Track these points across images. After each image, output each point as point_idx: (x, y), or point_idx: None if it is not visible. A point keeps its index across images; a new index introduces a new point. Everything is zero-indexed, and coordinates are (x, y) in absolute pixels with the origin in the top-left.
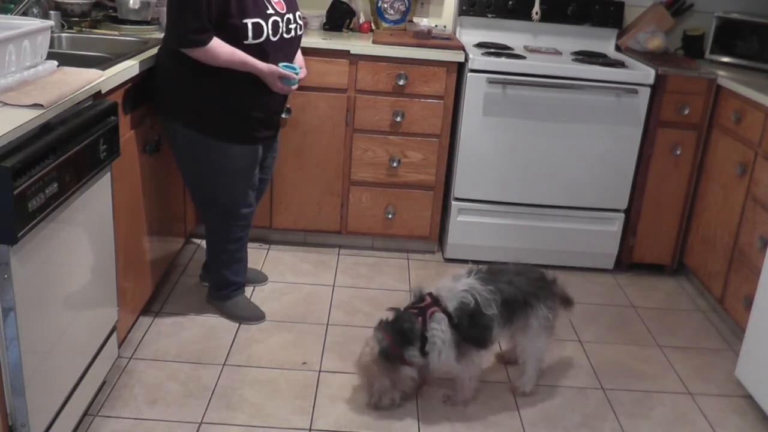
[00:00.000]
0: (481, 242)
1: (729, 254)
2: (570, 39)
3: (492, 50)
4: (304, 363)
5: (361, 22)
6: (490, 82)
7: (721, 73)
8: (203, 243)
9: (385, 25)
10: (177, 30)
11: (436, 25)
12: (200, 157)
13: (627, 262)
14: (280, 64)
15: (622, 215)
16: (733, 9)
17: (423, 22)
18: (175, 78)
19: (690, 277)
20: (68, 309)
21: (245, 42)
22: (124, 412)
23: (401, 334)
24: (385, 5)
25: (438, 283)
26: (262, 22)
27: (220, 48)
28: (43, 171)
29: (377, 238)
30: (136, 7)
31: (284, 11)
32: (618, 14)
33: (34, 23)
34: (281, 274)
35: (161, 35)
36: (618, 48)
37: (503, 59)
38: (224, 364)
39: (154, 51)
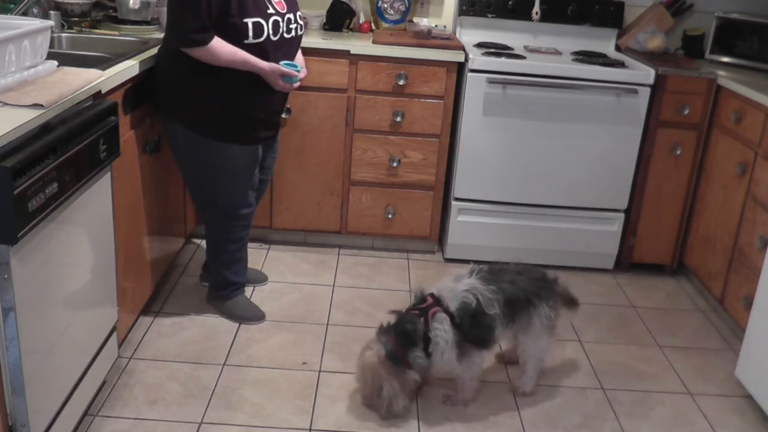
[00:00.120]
0: (481, 242)
1: (729, 254)
2: (570, 39)
3: (492, 50)
4: (304, 363)
5: (361, 22)
6: (490, 82)
7: (721, 73)
8: (203, 243)
9: (385, 25)
10: (177, 29)
11: (436, 25)
12: (200, 157)
13: (627, 262)
14: (282, 63)
15: (622, 215)
16: (733, 9)
17: (423, 22)
18: (175, 78)
19: (690, 277)
20: (68, 309)
21: (246, 41)
22: (124, 412)
23: (405, 336)
24: (385, 5)
25: (439, 283)
26: (263, 22)
27: (221, 47)
28: (43, 171)
29: (377, 238)
30: (136, 7)
31: (285, 11)
32: (618, 14)
33: (34, 23)
34: (281, 274)
35: (161, 35)
36: (618, 48)
37: (503, 59)
38: (224, 364)
39: (154, 51)
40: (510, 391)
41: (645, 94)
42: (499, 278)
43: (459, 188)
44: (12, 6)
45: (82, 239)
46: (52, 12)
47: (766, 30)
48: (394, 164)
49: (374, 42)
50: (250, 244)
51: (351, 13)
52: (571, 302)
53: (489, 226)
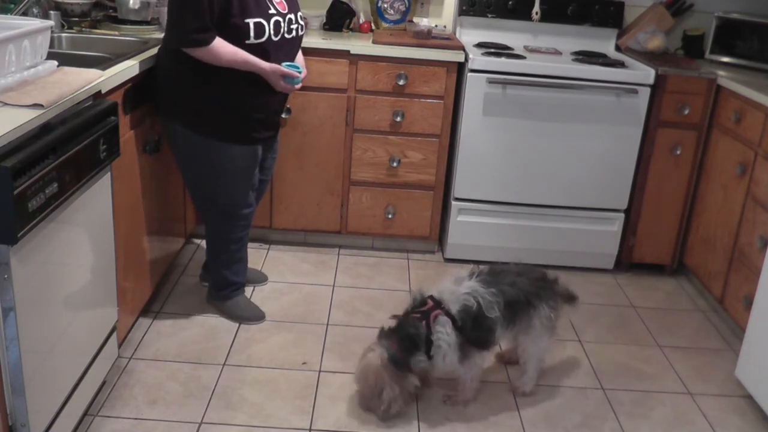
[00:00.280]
0: (481, 242)
1: (729, 254)
2: (570, 39)
3: (492, 50)
4: (304, 363)
5: (361, 22)
6: (490, 82)
7: (721, 73)
8: (203, 243)
9: (385, 25)
10: (178, 29)
11: (436, 25)
12: (200, 158)
13: (627, 262)
14: (283, 64)
15: (622, 215)
16: (733, 9)
17: (423, 22)
18: (175, 78)
19: (690, 277)
20: (68, 309)
21: (247, 42)
22: (124, 412)
23: (408, 340)
24: (385, 5)
25: (439, 285)
26: (264, 22)
27: (222, 48)
28: (43, 171)
29: (377, 238)
30: (136, 7)
31: (286, 11)
32: (618, 14)
33: (34, 23)
34: (281, 274)
35: (161, 35)
36: (618, 48)
37: (503, 59)
38: (224, 364)
39: (154, 51)
40: (510, 391)
41: (645, 94)
42: (500, 280)
43: (459, 188)
44: (12, 6)
45: (82, 239)
46: (52, 12)
47: (766, 30)
48: (394, 164)
49: (374, 42)
50: (250, 244)
51: (351, 13)
52: (570, 298)
53: (489, 226)
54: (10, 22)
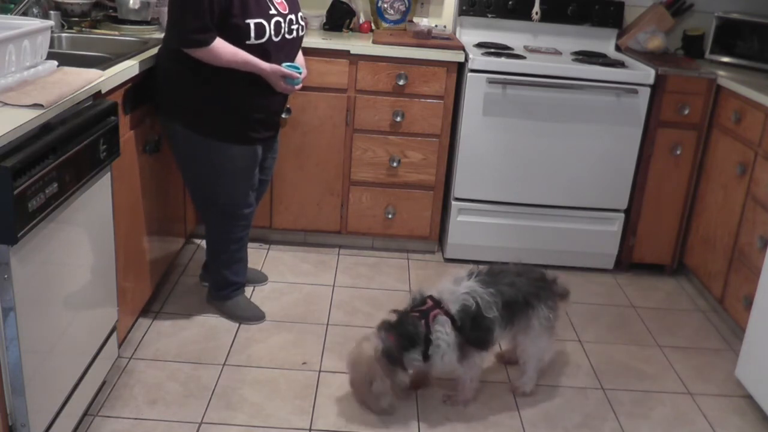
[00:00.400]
0: (481, 242)
1: (729, 254)
2: (570, 39)
3: (492, 50)
4: (304, 363)
5: (361, 22)
6: (490, 82)
7: (721, 73)
8: (203, 243)
9: (385, 25)
10: (178, 30)
11: (436, 25)
12: (200, 158)
13: (627, 262)
14: (283, 64)
15: (622, 215)
16: (733, 9)
17: (423, 22)
18: (175, 78)
19: (690, 277)
20: (68, 309)
21: (247, 42)
22: (124, 412)
23: (406, 337)
24: (385, 5)
25: (439, 285)
26: (265, 23)
27: (222, 48)
28: (43, 171)
29: (377, 238)
30: (136, 7)
31: (286, 12)
32: (618, 14)
33: (34, 23)
34: (281, 274)
35: (161, 35)
36: (618, 48)
37: (503, 59)
38: (224, 364)
39: (154, 51)
40: (510, 391)
41: (645, 94)
42: (498, 280)
43: (459, 188)
44: (12, 6)
45: (82, 239)
46: (52, 12)
47: (766, 30)
48: (394, 164)
49: (374, 42)
50: (250, 244)
51: (351, 13)
52: (563, 295)
53: (489, 226)
54: (10, 22)
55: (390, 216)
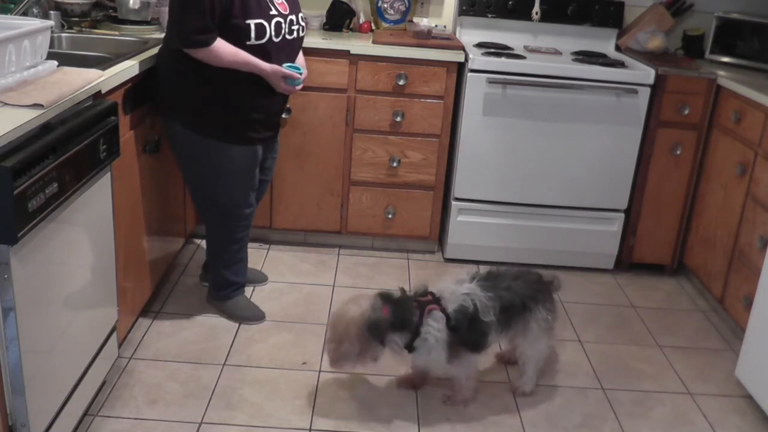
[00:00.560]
0: (481, 242)
1: (729, 254)
2: (570, 39)
3: (492, 50)
4: (304, 363)
5: (361, 22)
6: (490, 82)
7: (721, 73)
8: (203, 243)
9: (385, 25)
10: (180, 30)
11: (436, 25)
12: (200, 158)
13: (627, 262)
14: (284, 65)
15: (622, 215)
16: (733, 9)
17: (423, 22)
18: (175, 78)
19: (690, 277)
20: (68, 309)
21: (248, 43)
22: (124, 412)
23: (399, 318)
24: (385, 5)
25: (440, 283)
26: (265, 23)
27: (223, 49)
28: (43, 171)
29: (377, 238)
30: (136, 7)
31: (287, 12)
32: (618, 14)
33: (34, 23)
34: (281, 274)
35: (161, 35)
36: (618, 48)
37: (503, 59)
38: (224, 364)
39: (154, 51)
40: (510, 391)
41: (645, 94)
42: (496, 284)
43: (459, 188)
44: (12, 6)
45: (82, 239)
46: (52, 12)
47: (766, 30)
48: (394, 164)
49: (374, 42)
50: (250, 244)
51: (351, 13)
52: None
53: (489, 226)
54: (10, 22)
55: (390, 216)
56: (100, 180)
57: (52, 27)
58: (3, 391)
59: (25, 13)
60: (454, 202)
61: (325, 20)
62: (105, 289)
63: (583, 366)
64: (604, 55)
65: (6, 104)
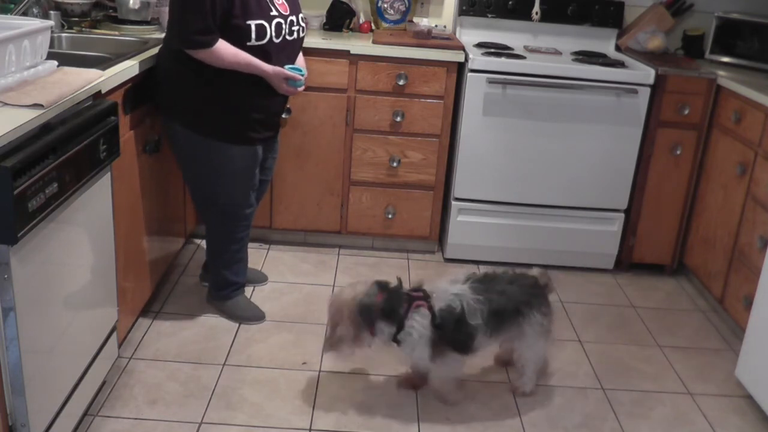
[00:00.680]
0: (481, 242)
1: (729, 254)
2: (570, 39)
3: (492, 50)
4: (304, 363)
5: (361, 22)
6: (490, 82)
7: (721, 73)
8: (203, 243)
9: (385, 25)
10: (181, 30)
11: (436, 25)
12: (200, 158)
13: (627, 262)
14: (286, 67)
15: (622, 215)
16: (733, 9)
17: (423, 22)
18: (175, 78)
19: (690, 277)
20: (68, 309)
21: (248, 43)
22: (124, 412)
23: (388, 307)
24: (385, 5)
25: (436, 282)
26: (266, 24)
27: (225, 50)
28: (43, 171)
29: (377, 238)
30: (136, 7)
31: (287, 13)
32: (618, 14)
33: (34, 23)
34: (281, 274)
35: (161, 35)
36: (618, 48)
37: (503, 59)
38: (224, 364)
39: (154, 51)
40: (510, 391)
41: (645, 94)
42: (490, 288)
43: (459, 188)
44: (12, 6)
45: (82, 239)
46: (52, 12)
47: (766, 30)
48: (394, 164)
49: (374, 42)
50: (250, 244)
51: (351, 13)
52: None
53: (489, 226)
54: (10, 22)
55: (390, 216)
56: (100, 180)
57: (52, 27)
58: (3, 391)
59: (25, 13)
60: (454, 202)
61: (325, 20)
62: (105, 289)
63: (583, 366)
64: (604, 55)
65: (6, 104)
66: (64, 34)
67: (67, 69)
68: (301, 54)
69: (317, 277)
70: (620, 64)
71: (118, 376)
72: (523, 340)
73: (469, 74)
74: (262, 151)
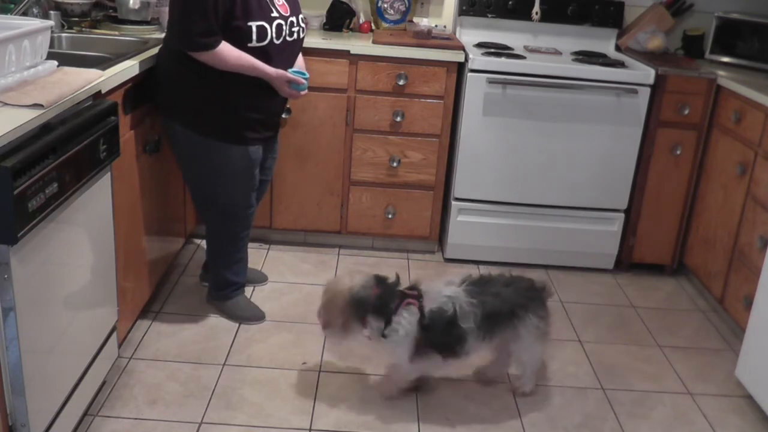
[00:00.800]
0: (481, 242)
1: (729, 254)
2: (570, 39)
3: (492, 50)
4: (304, 363)
5: (361, 22)
6: (490, 82)
7: (721, 73)
8: (203, 243)
9: (385, 25)
10: (183, 32)
11: (436, 25)
12: (200, 158)
13: (627, 262)
14: (289, 70)
15: (622, 215)
16: (733, 9)
17: (423, 22)
18: (175, 78)
19: (690, 277)
20: (68, 309)
21: (249, 45)
22: (124, 412)
23: (380, 303)
24: (385, 5)
25: (432, 282)
26: (267, 25)
27: (228, 52)
28: (43, 171)
29: (377, 238)
30: (136, 7)
31: (288, 14)
32: (618, 14)
33: (34, 23)
34: (281, 274)
35: (161, 35)
36: (618, 48)
37: (503, 59)
38: (224, 364)
39: (154, 51)
40: (510, 391)
41: (645, 94)
42: (485, 290)
43: (459, 188)
44: (12, 6)
45: (82, 239)
46: (52, 12)
47: (766, 30)
48: (394, 164)
49: (374, 42)
50: (250, 244)
51: (351, 13)
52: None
53: (489, 226)
54: (10, 22)
55: (390, 216)
56: (100, 180)
57: (52, 27)
58: (3, 391)
59: (25, 13)
60: (454, 202)
61: (325, 20)
62: (105, 289)
63: (583, 366)
64: (604, 55)
65: (6, 104)
66: (64, 34)
67: (67, 69)
68: (300, 55)
69: (317, 277)
70: (620, 64)
71: (118, 376)
72: (519, 342)
73: (469, 74)
74: (262, 151)
